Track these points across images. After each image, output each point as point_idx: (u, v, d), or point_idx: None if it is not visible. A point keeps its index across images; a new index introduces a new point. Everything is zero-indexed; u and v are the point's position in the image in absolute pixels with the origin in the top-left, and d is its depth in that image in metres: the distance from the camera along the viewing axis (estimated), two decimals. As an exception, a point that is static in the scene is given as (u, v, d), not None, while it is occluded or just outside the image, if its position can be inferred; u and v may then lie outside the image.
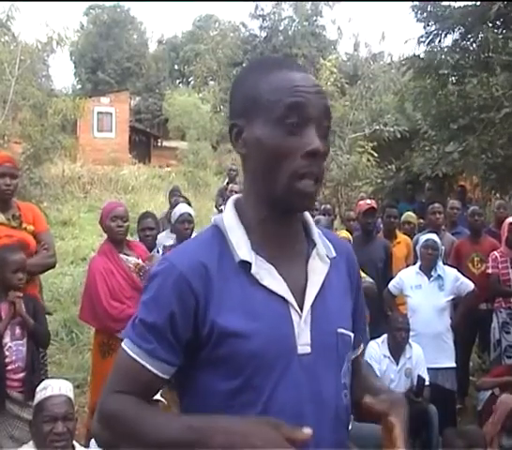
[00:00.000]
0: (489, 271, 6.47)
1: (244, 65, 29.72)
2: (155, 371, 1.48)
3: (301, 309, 1.49)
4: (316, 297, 1.51)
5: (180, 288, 1.45)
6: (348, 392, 1.58)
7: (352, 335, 1.60)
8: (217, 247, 1.51)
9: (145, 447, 1.44)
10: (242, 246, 1.50)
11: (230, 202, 1.61)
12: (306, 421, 1.41)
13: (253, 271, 1.47)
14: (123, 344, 1.53)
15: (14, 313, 4.13)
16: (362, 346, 1.78)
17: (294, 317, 1.48)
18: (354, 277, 1.71)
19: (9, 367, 4.08)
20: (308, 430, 1.36)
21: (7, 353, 4.08)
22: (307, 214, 1.63)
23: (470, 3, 9.31)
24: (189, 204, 7.51)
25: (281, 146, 1.44)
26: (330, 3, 36.31)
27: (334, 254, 1.60)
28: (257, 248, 1.50)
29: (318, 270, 1.55)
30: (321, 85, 1.52)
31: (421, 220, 8.36)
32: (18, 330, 4.16)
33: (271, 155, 1.45)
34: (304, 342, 1.47)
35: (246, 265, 1.48)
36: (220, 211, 9.55)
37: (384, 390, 1.69)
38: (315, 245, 1.58)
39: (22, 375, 4.11)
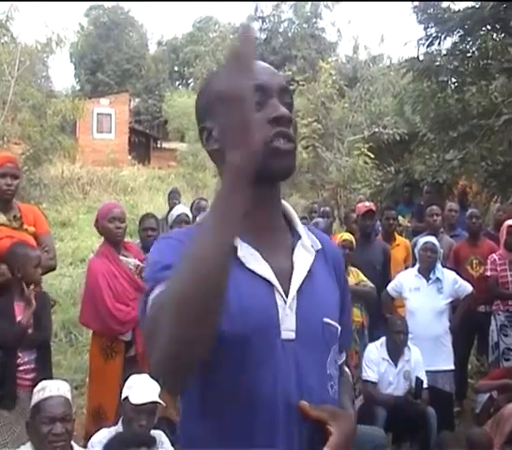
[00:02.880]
0: (488, 274, 6.47)
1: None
2: None
3: (286, 295, 1.50)
4: (302, 285, 1.52)
5: (178, 247, 1.46)
6: (335, 384, 1.58)
7: (338, 327, 1.60)
8: None
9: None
10: None
11: None
12: (291, 407, 1.45)
13: (239, 254, 1.49)
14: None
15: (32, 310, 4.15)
16: (345, 354, 1.77)
17: (279, 301, 1.49)
18: (340, 274, 1.70)
19: (21, 368, 4.10)
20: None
21: (19, 355, 4.10)
22: (288, 207, 1.66)
23: (470, 4, 9.33)
24: None
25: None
26: (329, 4, 36.31)
27: (319, 246, 1.63)
28: (242, 237, 1.51)
29: (303, 259, 1.57)
30: (273, 68, 1.62)
31: (409, 224, 8.36)
32: (30, 331, 4.17)
33: None
34: (288, 328, 1.49)
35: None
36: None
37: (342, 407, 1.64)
38: (300, 237, 1.61)
39: (32, 375, 4.12)
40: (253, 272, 1.50)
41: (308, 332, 1.51)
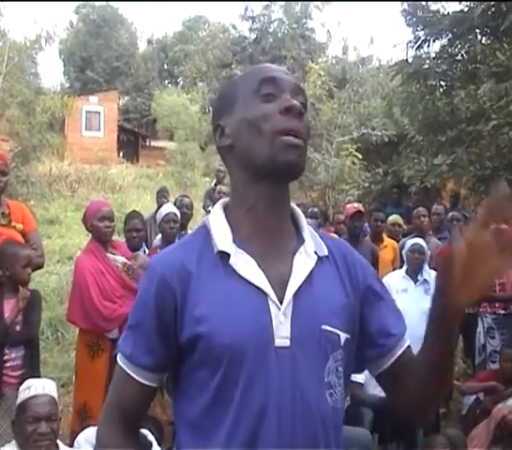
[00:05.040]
0: (475, 276, 6.47)
1: (233, 66, 29.88)
2: (136, 378, 1.52)
3: (281, 302, 1.46)
4: (300, 291, 1.48)
5: (159, 288, 1.49)
6: (336, 392, 1.53)
7: (341, 334, 1.53)
8: (199, 244, 1.53)
9: None
10: (222, 238, 1.51)
11: (218, 204, 1.63)
12: (283, 417, 1.42)
13: (231, 261, 1.48)
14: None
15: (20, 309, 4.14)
16: (403, 344, 1.74)
17: (273, 309, 1.46)
18: (358, 277, 1.62)
19: (8, 365, 4.08)
20: None
21: (6, 351, 4.08)
22: (298, 211, 1.63)
23: (459, 8, 9.36)
24: None
25: (259, 112, 1.50)
26: (319, 5, 36.23)
27: (325, 252, 1.58)
28: (240, 244, 1.50)
29: (303, 265, 1.53)
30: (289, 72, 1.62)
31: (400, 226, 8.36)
32: (18, 328, 4.16)
33: (251, 122, 1.50)
34: (282, 335, 1.45)
35: (224, 256, 1.48)
36: (208, 212, 9.58)
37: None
38: (304, 242, 1.57)
39: (19, 372, 4.10)
40: (246, 280, 1.47)
41: (304, 338, 1.47)
